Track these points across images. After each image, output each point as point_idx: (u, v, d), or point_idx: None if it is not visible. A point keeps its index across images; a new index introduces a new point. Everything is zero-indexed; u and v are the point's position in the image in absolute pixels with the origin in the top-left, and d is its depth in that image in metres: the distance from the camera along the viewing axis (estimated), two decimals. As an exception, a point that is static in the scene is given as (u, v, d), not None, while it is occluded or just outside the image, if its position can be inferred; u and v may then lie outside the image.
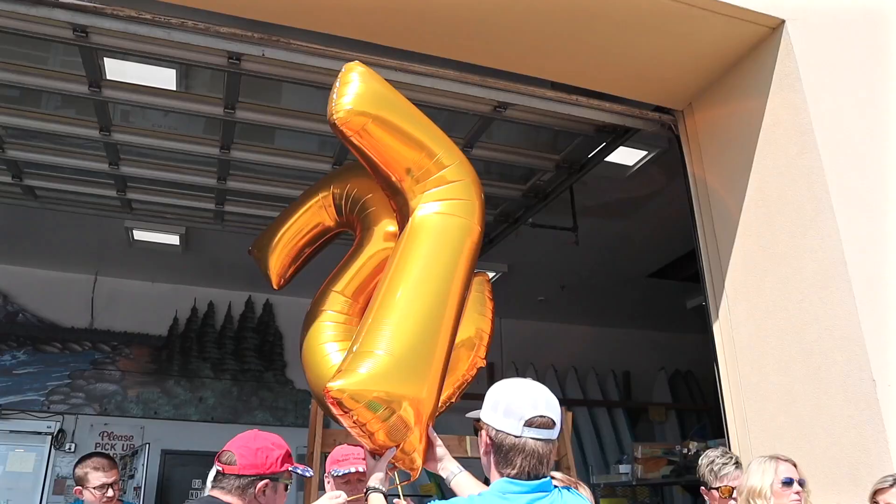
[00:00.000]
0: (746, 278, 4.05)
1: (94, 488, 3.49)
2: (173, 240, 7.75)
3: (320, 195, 3.27)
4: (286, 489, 2.42)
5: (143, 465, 7.53)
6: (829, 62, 3.94)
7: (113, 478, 3.53)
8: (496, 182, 6.35)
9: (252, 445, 2.38)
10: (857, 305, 3.39)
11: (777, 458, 3.03)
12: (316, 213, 3.28)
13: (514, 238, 7.52)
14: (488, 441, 1.91)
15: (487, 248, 7.52)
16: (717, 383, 4.18)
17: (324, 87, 4.71)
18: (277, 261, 3.39)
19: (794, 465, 3.01)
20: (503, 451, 1.87)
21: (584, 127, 5.28)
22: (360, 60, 4.00)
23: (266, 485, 2.35)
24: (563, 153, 5.80)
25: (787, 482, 2.92)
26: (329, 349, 2.81)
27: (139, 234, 7.60)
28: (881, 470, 3.08)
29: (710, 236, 4.37)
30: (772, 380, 3.79)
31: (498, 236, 7.33)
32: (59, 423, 8.13)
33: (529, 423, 1.86)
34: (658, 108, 4.79)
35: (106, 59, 4.75)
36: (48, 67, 4.85)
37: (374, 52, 4.20)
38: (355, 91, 2.70)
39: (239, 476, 2.32)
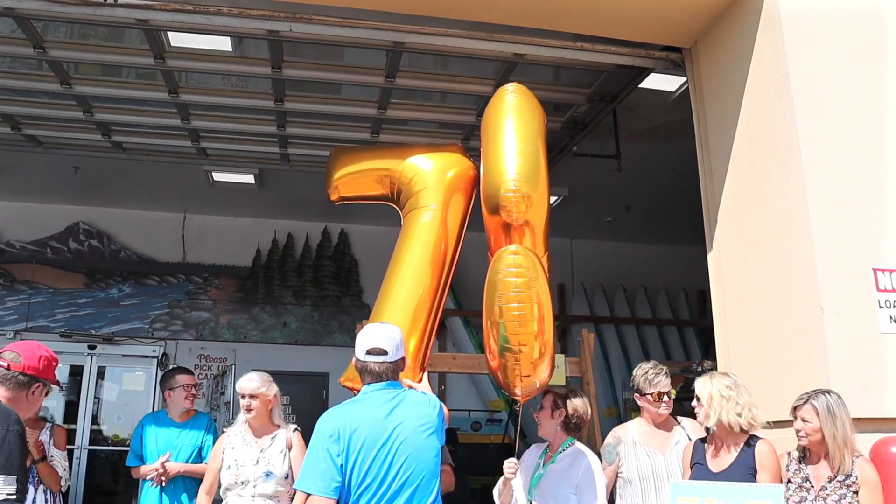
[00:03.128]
0: (734, 211, 4.66)
1: (182, 386, 4.90)
2: (248, 179, 8.91)
3: None
4: (46, 395, 3.00)
5: (230, 383, 8.98)
6: (812, 5, 4.36)
7: (195, 382, 5.03)
8: (535, 116, 7.01)
9: (37, 353, 2.88)
10: (813, 239, 3.98)
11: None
12: None
13: (569, 163, 8.17)
14: (354, 362, 3.11)
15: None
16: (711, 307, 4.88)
17: (355, 46, 5.58)
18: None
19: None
20: (359, 370, 3.09)
21: (604, 65, 5.85)
22: (373, 27, 4.92)
23: (38, 387, 2.86)
24: (593, 87, 6.39)
25: None
26: None
27: (218, 176, 8.81)
28: (821, 386, 3.76)
29: (707, 170, 4.97)
30: (749, 305, 4.46)
31: (549, 167, 7.98)
32: (162, 348, 9.75)
33: (368, 353, 3.03)
34: (667, 48, 5.31)
35: (170, 33, 5.75)
36: (120, 45, 5.90)
37: (387, 20, 4.97)
38: (328, 174, 4.92)
39: (23, 373, 2.80)
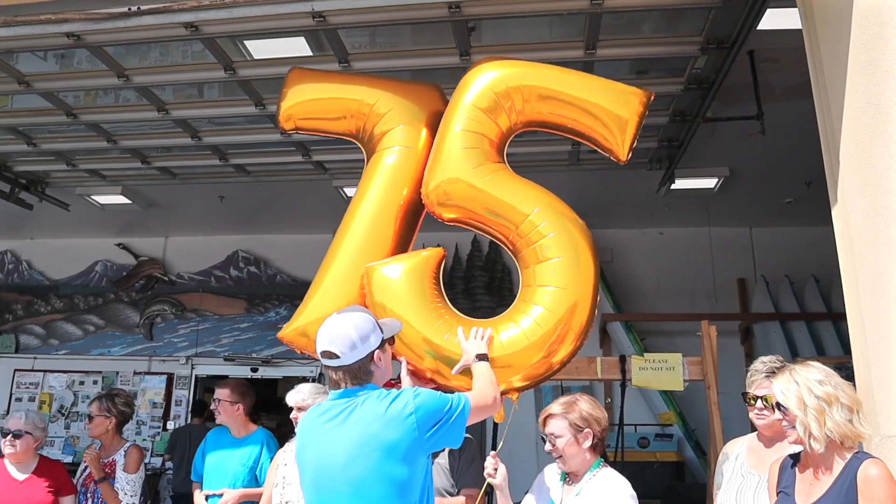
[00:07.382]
0: (857, 147, 3.37)
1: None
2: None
3: None
4: None
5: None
6: None
7: (222, 397, 4.79)
8: (649, 79, 5.94)
9: None
10: (956, 163, 2.70)
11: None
12: None
13: (717, 136, 6.94)
14: None
15: (680, 153, 7.05)
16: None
17: (405, 23, 5.00)
18: None
19: None
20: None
21: (705, -1, 4.73)
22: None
23: None
24: (705, 32, 5.21)
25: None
26: None
27: (350, 192, 8.57)
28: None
29: (823, 99, 3.70)
30: (885, 270, 3.17)
31: (686, 139, 6.79)
32: (318, 368, 9.66)
33: (321, 356, 2.62)
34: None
35: (247, 42, 5.55)
36: (193, 61, 5.78)
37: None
38: (282, 97, 4.16)
39: None
